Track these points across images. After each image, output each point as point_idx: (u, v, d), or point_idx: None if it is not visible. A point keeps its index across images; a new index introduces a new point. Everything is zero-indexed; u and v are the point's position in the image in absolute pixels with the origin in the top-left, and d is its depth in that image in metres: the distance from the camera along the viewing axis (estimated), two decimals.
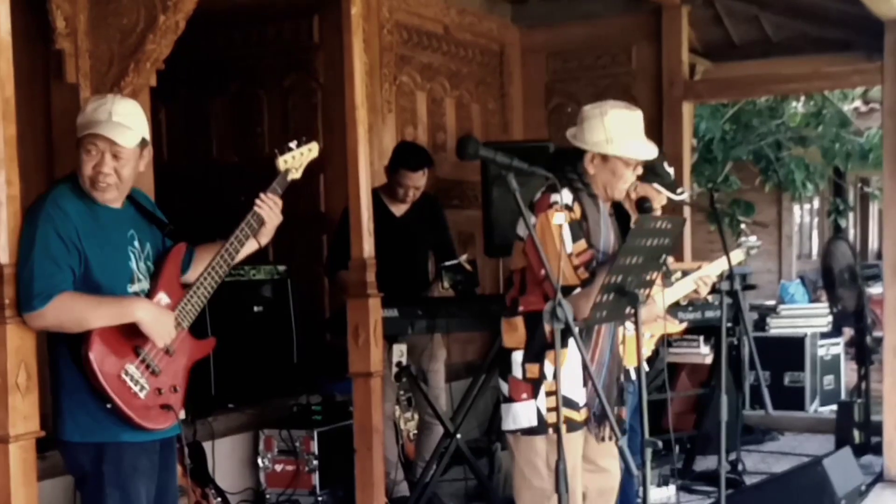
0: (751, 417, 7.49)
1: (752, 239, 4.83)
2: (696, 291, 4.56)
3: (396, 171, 5.54)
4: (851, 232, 15.41)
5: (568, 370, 3.50)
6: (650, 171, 4.45)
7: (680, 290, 4.55)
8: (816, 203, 14.91)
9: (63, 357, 3.11)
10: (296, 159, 3.45)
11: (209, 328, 4.80)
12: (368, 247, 4.50)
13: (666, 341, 6.50)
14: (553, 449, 3.32)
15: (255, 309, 5.95)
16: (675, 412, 6.71)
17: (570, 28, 7.96)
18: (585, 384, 3.56)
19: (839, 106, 11.81)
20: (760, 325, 8.92)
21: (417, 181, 5.52)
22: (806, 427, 7.75)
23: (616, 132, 3.56)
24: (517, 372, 3.61)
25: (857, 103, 11.80)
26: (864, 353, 6.83)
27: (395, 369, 5.18)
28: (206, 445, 5.06)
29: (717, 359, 6.40)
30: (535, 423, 3.56)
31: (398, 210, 5.60)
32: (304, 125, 6.73)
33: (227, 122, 7.09)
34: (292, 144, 3.45)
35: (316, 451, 5.42)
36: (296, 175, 3.47)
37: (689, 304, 5.41)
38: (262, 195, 3.39)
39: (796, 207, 14.29)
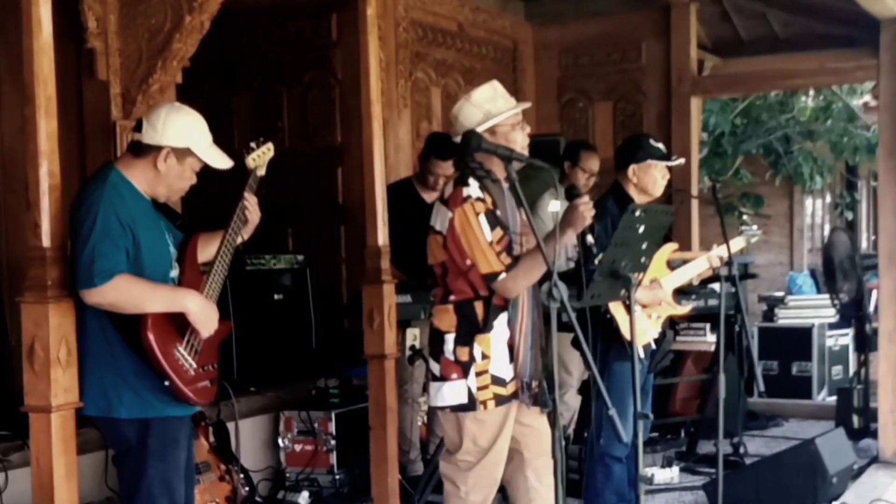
0: (756, 404, 7.59)
1: (754, 228, 5.00)
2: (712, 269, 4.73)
3: (428, 159, 5.70)
4: (864, 225, 15.42)
5: (496, 350, 3.64)
6: (640, 150, 4.65)
7: (686, 273, 4.74)
8: (829, 197, 14.97)
9: (113, 342, 3.24)
10: (260, 157, 3.59)
11: (232, 316, 5.01)
12: (383, 235, 4.62)
13: (673, 328, 6.70)
14: (480, 427, 3.61)
15: (276, 297, 6.11)
16: (680, 397, 6.88)
17: (582, 25, 8.11)
18: (512, 360, 3.67)
19: (847, 101, 11.90)
20: (769, 315, 9.01)
21: (447, 170, 5.66)
22: (810, 414, 7.83)
23: (487, 104, 3.66)
24: (449, 354, 3.71)
25: (867, 98, 11.86)
26: (864, 341, 6.95)
27: (408, 352, 5.33)
28: (230, 426, 5.20)
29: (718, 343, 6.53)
30: (465, 400, 3.68)
31: (429, 197, 5.74)
32: (322, 120, 6.91)
33: (249, 117, 7.22)
34: (253, 145, 3.60)
35: (333, 431, 5.57)
36: (262, 172, 3.61)
37: (693, 293, 5.54)
38: (246, 196, 3.54)
39: (808, 201, 14.34)
